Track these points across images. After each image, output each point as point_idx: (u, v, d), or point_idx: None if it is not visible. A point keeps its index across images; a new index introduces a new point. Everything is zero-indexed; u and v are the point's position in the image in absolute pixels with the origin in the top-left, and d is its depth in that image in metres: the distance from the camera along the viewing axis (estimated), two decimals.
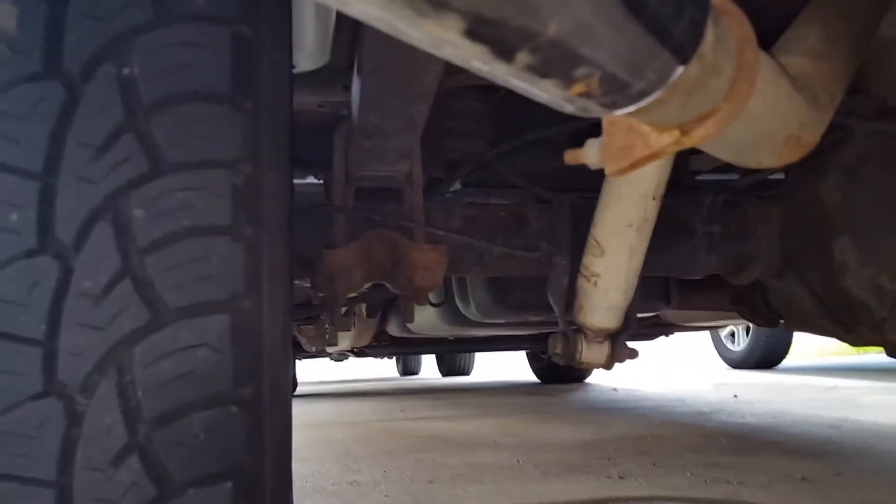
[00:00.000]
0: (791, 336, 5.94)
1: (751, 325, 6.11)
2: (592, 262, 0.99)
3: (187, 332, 0.61)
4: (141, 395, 0.59)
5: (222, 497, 0.61)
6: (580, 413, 3.67)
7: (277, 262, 0.67)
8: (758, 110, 0.52)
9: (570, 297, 1.06)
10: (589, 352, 1.04)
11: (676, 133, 0.46)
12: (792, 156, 0.66)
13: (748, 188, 1.20)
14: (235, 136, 0.64)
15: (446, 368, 7.97)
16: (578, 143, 0.62)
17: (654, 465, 2.15)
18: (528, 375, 5.80)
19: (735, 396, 4.02)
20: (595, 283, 0.99)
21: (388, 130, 0.88)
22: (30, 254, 0.61)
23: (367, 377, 8.92)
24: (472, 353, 7.28)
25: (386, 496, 1.90)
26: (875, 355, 7.48)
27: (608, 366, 1.07)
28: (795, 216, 1.17)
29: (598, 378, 5.26)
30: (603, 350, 1.06)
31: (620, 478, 2.00)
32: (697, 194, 1.14)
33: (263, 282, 0.65)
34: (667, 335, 3.61)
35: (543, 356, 5.26)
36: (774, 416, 3.19)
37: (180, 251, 0.62)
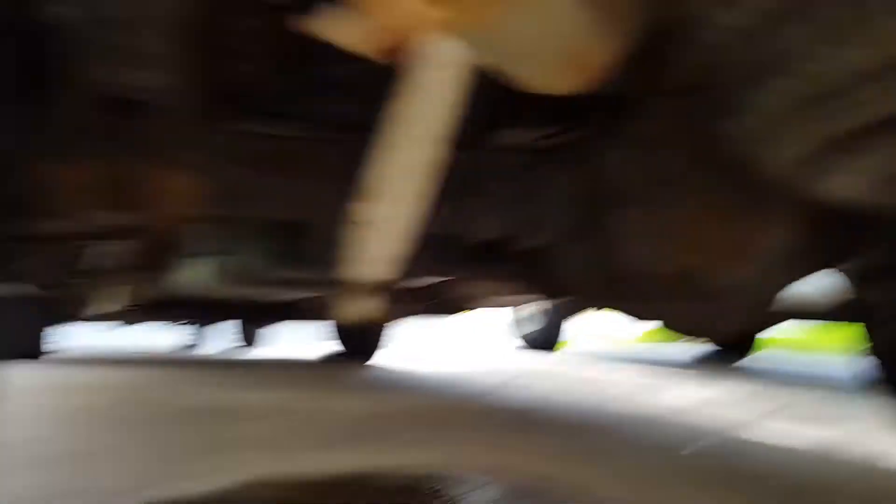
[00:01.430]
0: (564, 321, 6.36)
1: (545, 308, 6.48)
2: (365, 207, 0.89)
3: None
4: None
5: None
6: (361, 388, 3.61)
7: None
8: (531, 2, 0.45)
9: (340, 244, 0.96)
10: (353, 304, 0.94)
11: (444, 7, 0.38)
12: (575, 80, 0.60)
13: (547, 151, 1.17)
14: None
15: (248, 338, 7.62)
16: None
17: (422, 439, 2.10)
18: (335, 347, 5.65)
19: (510, 381, 4.16)
20: (368, 230, 0.89)
21: (132, 22, 0.72)
22: None
23: (162, 344, 8.30)
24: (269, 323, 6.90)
25: (115, 470, 1.67)
26: (669, 348, 8.15)
27: (383, 319, 0.98)
28: (585, 183, 1.15)
29: (385, 356, 5.24)
30: (369, 304, 0.96)
31: (384, 451, 1.92)
32: (493, 151, 1.08)
33: None
34: (465, 309, 3.61)
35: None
36: (542, 398, 3.31)
37: None
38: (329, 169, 0.97)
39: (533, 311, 6.50)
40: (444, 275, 1.56)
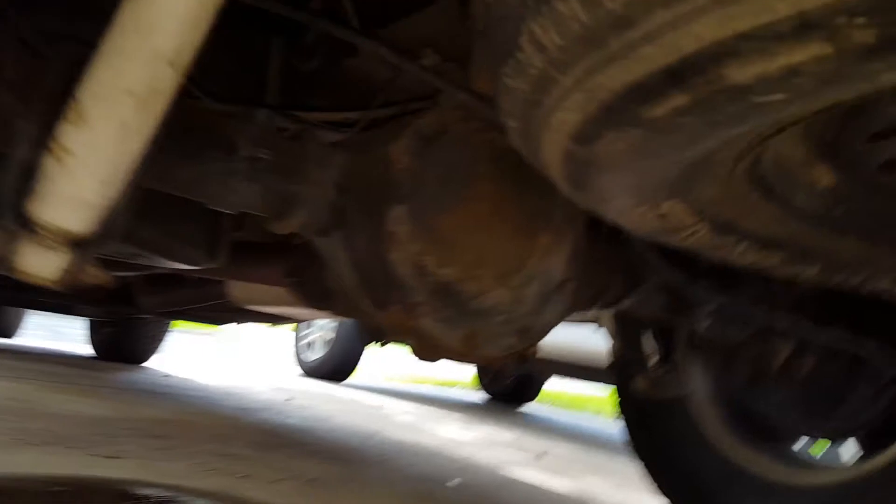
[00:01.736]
0: (361, 350, 6.19)
1: (330, 336, 6.27)
2: (67, 133, 0.70)
3: None
4: None
5: None
6: (115, 390, 3.24)
7: None
8: None
9: (29, 178, 0.76)
10: (34, 258, 0.75)
11: None
12: None
13: (324, 125, 1.05)
14: None
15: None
16: None
17: (159, 448, 1.87)
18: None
19: (289, 399, 3.94)
20: (63, 161, 0.71)
21: None
22: None
23: None
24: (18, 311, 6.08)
25: None
26: (453, 391, 8.21)
27: (63, 282, 0.78)
28: (360, 170, 1.03)
29: (157, 363, 4.80)
30: (57, 260, 0.77)
31: (111, 457, 1.68)
32: (250, 108, 0.94)
33: None
34: (238, 321, 3.35)
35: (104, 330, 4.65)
36: (317, 420, 3.15)
37: None
38: (35, 86, 0.78)
39: (317, 337, 6.27)
40: (199, 265, 1.37)
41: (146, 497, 1.32)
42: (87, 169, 0.72)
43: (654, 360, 1.60)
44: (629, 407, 2.02)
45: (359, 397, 5.05)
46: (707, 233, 0.80)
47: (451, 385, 8.81)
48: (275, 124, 0.95)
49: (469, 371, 7.76)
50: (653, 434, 1.95)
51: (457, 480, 2.17)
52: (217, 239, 1.41)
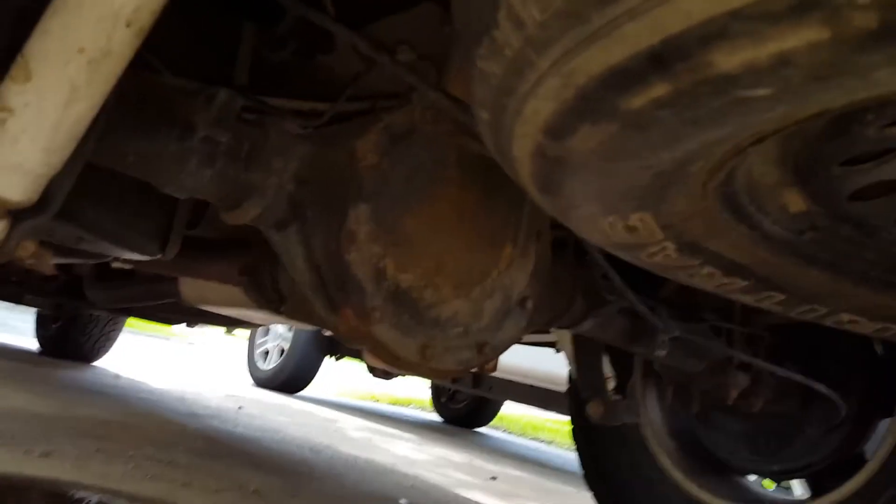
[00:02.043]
0: (318, 364, 6.08)
1: (286, 347, 6.16)
2: (10, 91, 0.66)
3: None
4: None
5: None
6: (58, 388, 3.12)
7: None
8: None
9: None
10: None
11: None
12: None
13: (289, 114, 1.00)
14: None
15: None
16: None
17: (98, 450, 1.79)
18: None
19: (240, 408, 3.84)
20: (4, 121, 0.66)
21: None
22: None
23: None
24: None
25: None
26: (408, 410, 8.10)
27: (40, 267, 0.73)
28: (323, 164, 0.99)
29: (108, 362, 4.65)
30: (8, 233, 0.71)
31: (43, 455, 1.60)
32: (212, 88, 0.89)
33: None
34: (190, 323, 3.25)
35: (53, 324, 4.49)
36: (265, 431, 3.06)
37: None
38: None
39: (273, 346, 6.15)
40: (149, 255, 1.30)
41: (80, 499, 1.25)
42: (29, 132, 0.68)
43: (609, 386, 1.58)
44: (583, 433, 1.99)
45: (312, 410, 4.95)
46: (674, 251, 0.78)
47: (406, 404, 8.72)
48: (237, 107, 0.91)
49: (425, 391, 7.69)
50: (605, 462, 1.93)
51: (404, 501, 2.12)
52: (169, 230, 1.35)
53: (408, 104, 1.05)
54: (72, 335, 4.32)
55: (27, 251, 0.77)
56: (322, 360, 6.24)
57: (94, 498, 1.32)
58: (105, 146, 0.81)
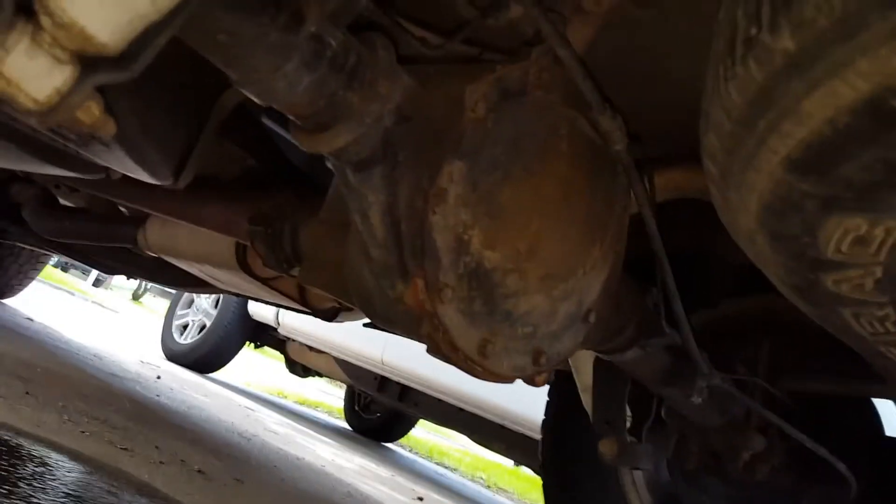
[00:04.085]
0: (238, 348, 5.78)
1: (208, 323, 5.82)
2: None
3: None
4: None
5: None
6: None
7: None
8: None
9: None
10: (23, 60, 0.50)
11: None
12: None
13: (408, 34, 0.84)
14: None
15: None
16: None
17: (27, 393, 1.55)
18: None
19: (158, 378, 3.56)
20: None
21: None
22: None
23: None
24: None
25: None
26: (315, 412, 7.82)
27: (47, 111, 0.53)
28: (425, 104, 0.83)
29: (17, 302, 4.26)
30: (55, 73, 0.52)
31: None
32: None
33: None
34: (130, 274, 2.93)
35: None
36: (190, 407, 2.81)
37: None
38: None
39: (194, 320, 5.80)
40: (164, 180, 1.09)
41: (18, 447, 1.03)
42: None
43: (625, 426, 1.45)
44: (556, 473, 1.86)
45: (228, 394, 4.67)
46: (873, 282, 0.66)
47: (315, 406, 8.42)
48: (357, 9, 0.74)
49: (335, 396, 7.44)
50: (576, 501, 1.80)
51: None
52: (187, 157, 1.16)
53: (524, 61, 0.91)
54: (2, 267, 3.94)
55: (90, 115, 0.58)
56: (242, 346, 5.95)
57: (34, 448, 1.09)
58: (202, 19, 0.63)
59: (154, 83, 1.00)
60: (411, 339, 1.00)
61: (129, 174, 1.13)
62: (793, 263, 0.68)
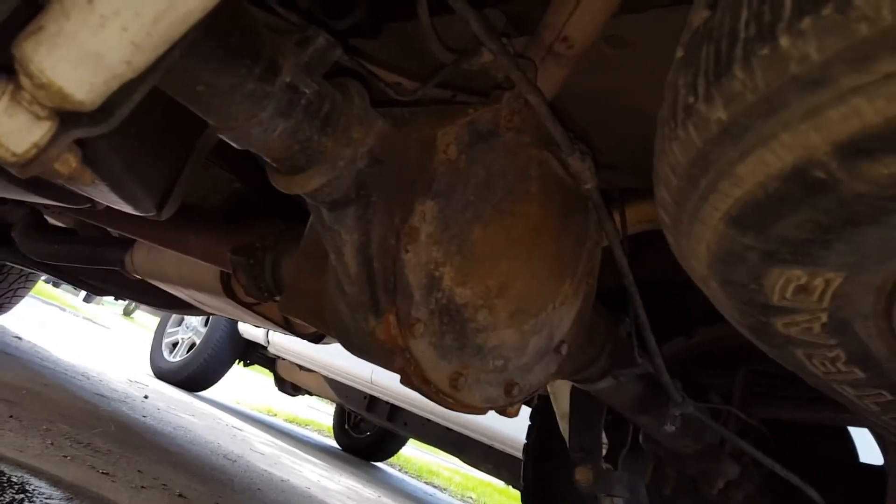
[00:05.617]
0: (227, 367, 5.77)
1: (197, 341, 5.82)
2: None
3: None
4: None
5: None
6: None
7: None
8: None
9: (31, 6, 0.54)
10: (11, 120, 0.53)
11: None
12: None
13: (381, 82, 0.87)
14: None
15: None
16: None
17: (11, 416, 1.56)
18: None
19: (146, 397, 3.56)
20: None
21: None
22: None
23: None
24: None
25: None
26: (304, 431, 7.80)
27: (26, 162, 0.55)
28: (398, 147, 0.86)
29: (6, 320, 4.26)
30: (33, 128, 0.55)
31: None
32: (311, 29, 0.75)
33: None
34: (118, 295, 2.94)
35: None
36: (176, 428, 2.82)
37: None
38: None
39: (184, 338, 5.80)
40: (147, 211, 1.12)
41: (0, 472, 1.05)
42: (123, 18, 0.53)
43: (601, 453, 1.47)
44: (537, 492, 1.88)
45: (215, 413, 4.66)
46: (820, 326, 0.69)
47: (304, 425, 8.40)
48: (332, 58, 0.77)
49: (325, 415, 7.42)
50: None
51: None
52: (171, 189, 1.18)
53: (495, 104, 0.94)
54: None
55: (67, 167, 0.60)
56: (232, 364, 5.95)
57: (15, 474, 1.11)
58: (181, 68, 0.66)
59: (136, 122, 1.02)
60: (386, 370, 1.02)
61: (112, 206, 1.16)
62: (744, 307, 0.71)
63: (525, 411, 2.05)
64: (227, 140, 0.79)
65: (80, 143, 0.95)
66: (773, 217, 0.54)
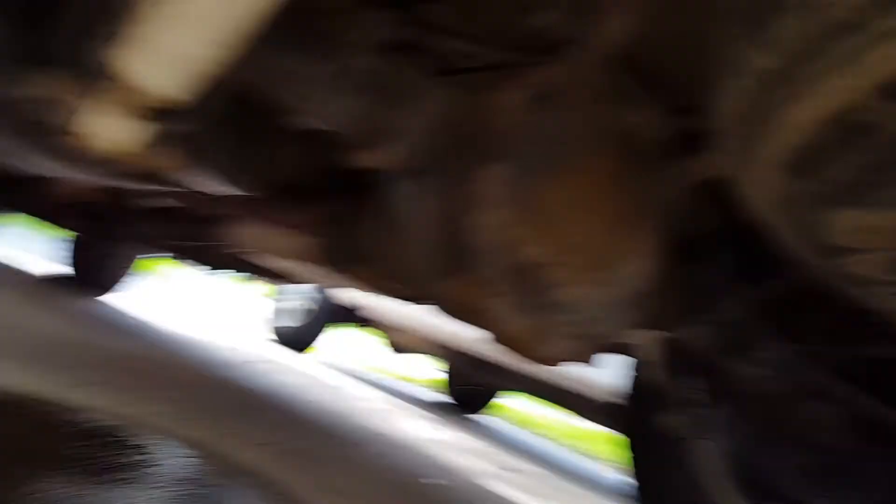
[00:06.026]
0: (337, 328, 6.03)
1: (310, 306, 6.08)
2: None
3: None
4: None
5: None
6: (89, 317, 3.06)
7: None
8: None
9: (114, 17, 0.60)
10: (105, 117, 0.59)
11: None
12: None
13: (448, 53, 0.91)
14: None
15: None
16: None
17: (135, 385, 1.72)
18: (62, 268, 4.83)
19: (260, 362, 3.78)
20: (170, 3, 0.57)
21: None
22: None
23: None
24: None
25: None
26: (417, 388, 8.06)
27: (127, 156, 0.63)
28: (465, 112, 0.89)
29: (119, 297, 4.58)
30: (130, 126, 0.62)
31: (95, 384, 1.54)
32: (379, 11, 0.79)
33: None
34: (221, 267, 3.12)
35: None
36: (289, 388, 2.99)
37: None
38: None
39: (295, 304, 6.07)
40: (237, 174, 1.20)
41: (127, 436, 1.18)
42: (198, 19, 0.58)
43: (690, 398, 1.48)
44: (640, 447, 1.90)
45: (320, 373, 4.89)
46: None
47: (409, 381, 8.65)
48: (398, 35, 0.81)
49: (436, 372, 7.62)
50: (658, 475, 1.84)
51: (434, 480, 2.05)
52: (267, 167, 1.26)
53: (557, 63, 0.96)
54: (105, 266, 4.27)
55: (174, 162, 0.68)
56: (341, 326, 6.19)
57: (145, 438, 1.24)
58: (261, 58, 0.72)
59: (228, 112, 1.10)
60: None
61: (211, 189, 1.25)
62: (812, 251, 0.72)
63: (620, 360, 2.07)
64: (307, 121, 0.85)
65: (183, 136, 1.04)
66: (826, 161, 0.54)
